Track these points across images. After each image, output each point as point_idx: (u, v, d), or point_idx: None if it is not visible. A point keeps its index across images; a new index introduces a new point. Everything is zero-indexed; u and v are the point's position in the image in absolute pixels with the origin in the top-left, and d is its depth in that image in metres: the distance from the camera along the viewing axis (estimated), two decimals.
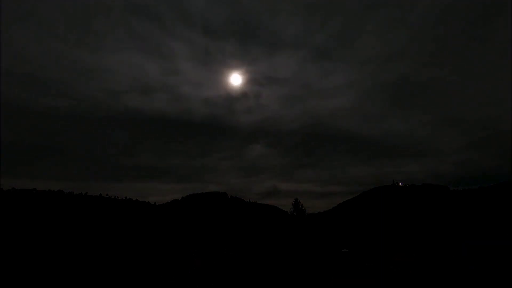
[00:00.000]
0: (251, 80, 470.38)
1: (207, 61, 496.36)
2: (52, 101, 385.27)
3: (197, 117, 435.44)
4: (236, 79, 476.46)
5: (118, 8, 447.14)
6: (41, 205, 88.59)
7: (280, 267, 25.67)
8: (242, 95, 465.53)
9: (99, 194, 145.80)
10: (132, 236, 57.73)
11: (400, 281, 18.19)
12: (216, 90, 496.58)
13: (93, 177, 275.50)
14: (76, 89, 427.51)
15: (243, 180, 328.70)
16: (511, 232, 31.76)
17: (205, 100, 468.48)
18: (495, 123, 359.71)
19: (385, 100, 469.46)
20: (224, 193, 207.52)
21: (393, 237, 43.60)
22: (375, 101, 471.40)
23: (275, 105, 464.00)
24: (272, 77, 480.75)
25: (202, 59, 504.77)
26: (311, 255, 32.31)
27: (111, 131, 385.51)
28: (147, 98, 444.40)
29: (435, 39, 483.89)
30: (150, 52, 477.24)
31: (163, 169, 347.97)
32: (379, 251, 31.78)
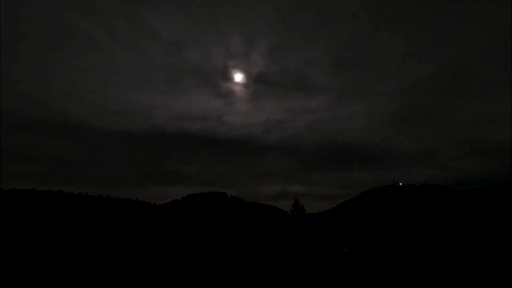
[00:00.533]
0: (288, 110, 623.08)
1: (255, 99, 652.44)
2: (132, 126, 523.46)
3: (238, 136, 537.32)
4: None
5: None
6: (41, 205, 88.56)
7: (280, 267, 25.67)
8: (280, 122, 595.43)
9: (99, 194, 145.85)
10: (132, 236, 57.71)
11: (400, 281, 18.19)
12: (259, 117, 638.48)
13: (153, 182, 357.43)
14: (155, 119, 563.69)
15: (256, 184, 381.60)
16: (511, 232, 31.77)
17: (247, 125, 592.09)
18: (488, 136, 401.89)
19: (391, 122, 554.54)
20: (224, 193, 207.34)
21: (393, 237, 43.60)
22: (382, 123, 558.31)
23: (301, 126, 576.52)
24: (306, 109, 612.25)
25: (251, 98, 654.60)
26: (311, 255, 32.30)
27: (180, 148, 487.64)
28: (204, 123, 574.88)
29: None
30: (218, 95, 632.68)
31: (186, 174, 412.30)
32: (379, 251, 31.78)
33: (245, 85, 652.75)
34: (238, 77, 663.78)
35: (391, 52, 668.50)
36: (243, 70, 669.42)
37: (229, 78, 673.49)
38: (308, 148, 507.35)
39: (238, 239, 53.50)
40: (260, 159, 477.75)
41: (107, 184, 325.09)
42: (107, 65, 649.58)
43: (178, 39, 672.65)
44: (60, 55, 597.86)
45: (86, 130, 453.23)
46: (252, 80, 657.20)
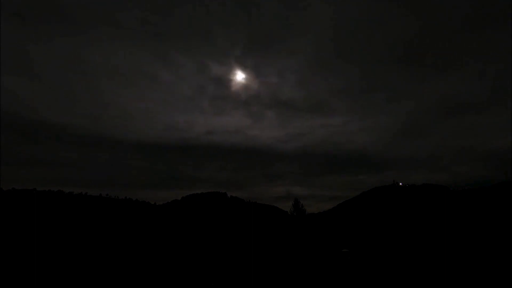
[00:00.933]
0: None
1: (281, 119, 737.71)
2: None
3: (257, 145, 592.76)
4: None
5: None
6: (41, 205, 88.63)
7: (280, 267, 25.68)
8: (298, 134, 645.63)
9: (99, 194, 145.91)
10: (132, 236, 57.75)
11: (400, 281, 18.19)
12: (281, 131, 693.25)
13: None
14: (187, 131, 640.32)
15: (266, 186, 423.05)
16: (511, 232, 31.78)
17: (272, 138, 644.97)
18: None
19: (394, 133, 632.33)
20: (224, 193, 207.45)
21: (393, 237, 43.62)
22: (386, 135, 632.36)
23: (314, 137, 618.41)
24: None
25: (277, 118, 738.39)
26: (311, 255, 32.30)
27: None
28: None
29: None
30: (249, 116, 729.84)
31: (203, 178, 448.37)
32: (379, 251, 31.79)
33: (272, 106, 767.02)
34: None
35: (394, 84, 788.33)
36: (273, 95, 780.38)
37: (260, 102, 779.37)
38: (318, 156, 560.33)
39: (238, 239, 53.54)
40: (272, 163, 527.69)
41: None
42: (169, 95, 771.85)
43: (223, 73, 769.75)
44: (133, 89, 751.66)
45: (152, 146, 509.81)
46: (280, 103, 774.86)
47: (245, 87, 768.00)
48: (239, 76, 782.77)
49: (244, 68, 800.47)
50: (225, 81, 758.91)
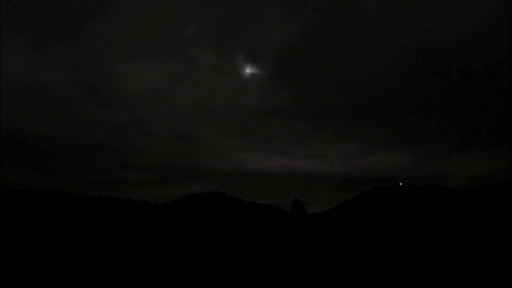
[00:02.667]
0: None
1: None
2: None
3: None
4: None
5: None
6: (41, 205, 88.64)
7: (280, 267, 25.68)
8: None
9: (99, 194, 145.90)
10: (132, 236, 57.75)
11: (400, 281, 18.19)
12: None
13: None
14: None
15: None
16: (511, 232, 31.77)
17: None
18: None
19: None
20: (224, 193, 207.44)
21: (392, 237, 43.61)
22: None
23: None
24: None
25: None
26: (311, 255, 32.30)
27: None
28: None
29: None
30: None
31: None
32: (379, 251, 31.79)
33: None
34: None
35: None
36: None
37: None
38: None
39: (238, 239, 53.52)
40: None
41: None
42: None
43: None
44: None
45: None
46: None
47: None
48: None
49: None
50: None
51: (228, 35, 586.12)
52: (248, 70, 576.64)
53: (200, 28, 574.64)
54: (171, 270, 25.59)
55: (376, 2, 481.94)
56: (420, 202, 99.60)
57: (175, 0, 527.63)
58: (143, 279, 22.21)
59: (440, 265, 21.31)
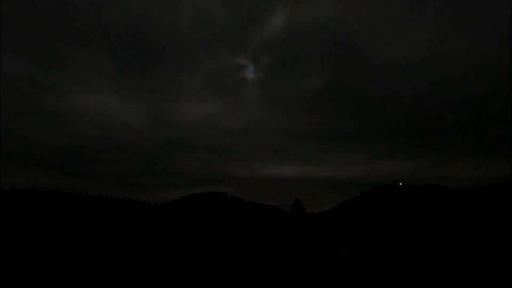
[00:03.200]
0: None
1: None
2: None
3: None
4: None
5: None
6: (41, 205, 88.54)
7: (280, 267, 25.67)
8: None
9: (99, 194, 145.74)
10: (132, 236, 57.74)
11: (400, 281, 18.19)
12: None
13: None
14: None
15: None
16: (511, 232, 31.75)
17: None
18: None
19: None
20: (224, 193, 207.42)
21: (392, 237, 43.60)
22: None
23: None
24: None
25: None
26: (310, 255, 32.30)
27: None
28: None
29: None
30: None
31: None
32: (379, 251, 31.78)
33: None
34: None
35: None
36: None
37: None
38: None
39: (238, 239, 53.50)
40: None
41: None
42: None
43: None
44: None
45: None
46: None
47: None
48: None
49: None
50: None
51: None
52: None
53: None
54: (171, 270, 25.58)
55: None
56: (420, 202, 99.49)
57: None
58: (143, 279, 22.20)
59: (440, 265, 21.31)
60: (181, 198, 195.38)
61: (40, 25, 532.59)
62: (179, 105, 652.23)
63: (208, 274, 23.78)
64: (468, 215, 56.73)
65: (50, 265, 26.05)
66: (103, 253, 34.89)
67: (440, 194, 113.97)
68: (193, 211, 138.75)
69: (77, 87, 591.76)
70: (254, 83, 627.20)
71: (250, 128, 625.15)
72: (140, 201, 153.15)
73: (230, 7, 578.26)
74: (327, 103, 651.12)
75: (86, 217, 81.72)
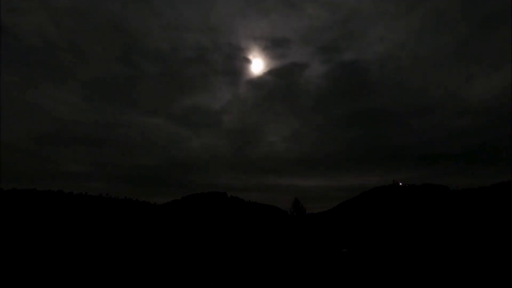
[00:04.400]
0: None
1: None
2: None
3: None
4: None
5: None
6: (41, 205, 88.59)
7: (280, 267, 25.68)
8: None
9: (99, 194, 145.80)
10: (132, 236, 57.75)
11: (400, 280, 18.19)
12: None
13: None
14: None
15: None
16: (511, 232, 31.78)
17: None
18: None
19: None
20: (224, 193, 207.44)
21: (393, 237, 43.60)
22: None
23: None
24: None
25: None
26: (310, 255, 32.28)
27: None
28: None
29: None
30: None
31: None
32: (379, 251, 31.78)
33: None
34: None
35: None
36: None
37: None
38: None
39: (238, 239, 53.50)
40: None
41: None
42: None
43: None
44: None
45: None
46: None
47: None
48: None
49: None
50: None
51: None
52: None
53: None
54: (171, 270, 25.58)
55: None
56: (420, 202, 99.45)
57: None
58: (143, 279, 22.21)
59: (440, 265, 21.31)
60: (181, 198, 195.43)
61: None
62: None
63: (208, 274, 23.79)
64: (468, 215, 56.73)
65: (50, 265, 26.06)
66: (104, 253, 34.89)
67: (440, 194, 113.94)
68: (193, 211, 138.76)
69: None
70: None
71: None
72: (140, 201, 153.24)
73: None
74: None
75: (86, 217, 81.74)
